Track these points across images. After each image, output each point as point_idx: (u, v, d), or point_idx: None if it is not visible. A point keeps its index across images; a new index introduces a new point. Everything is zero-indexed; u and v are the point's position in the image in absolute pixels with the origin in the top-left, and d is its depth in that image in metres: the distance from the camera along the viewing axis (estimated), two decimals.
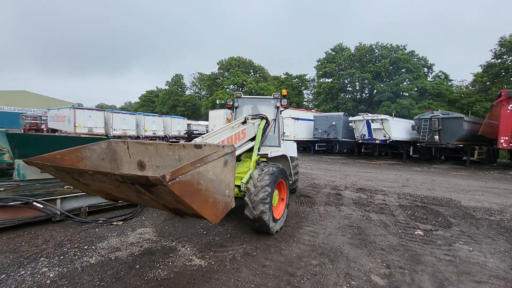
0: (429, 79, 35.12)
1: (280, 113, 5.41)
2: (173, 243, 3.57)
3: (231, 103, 5.57)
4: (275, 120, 5.22)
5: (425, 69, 35.59)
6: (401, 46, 34.86)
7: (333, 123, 17.43)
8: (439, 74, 36.14)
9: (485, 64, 30.18)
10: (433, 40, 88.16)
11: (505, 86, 27.24)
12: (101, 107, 28.06)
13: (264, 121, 4.90)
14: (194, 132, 30.07)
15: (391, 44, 34.89)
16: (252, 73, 50.36)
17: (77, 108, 19.93)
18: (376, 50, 34.94)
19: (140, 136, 24.82)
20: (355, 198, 6.39)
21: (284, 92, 5.53)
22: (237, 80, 43.87)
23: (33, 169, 5.73)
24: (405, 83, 32.31)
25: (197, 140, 3.61)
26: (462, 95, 32.20)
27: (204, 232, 3.98)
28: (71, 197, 4.47)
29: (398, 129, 15.64)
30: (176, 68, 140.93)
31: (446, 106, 29.96)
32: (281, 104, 5.24)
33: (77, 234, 3.80)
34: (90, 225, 4.16)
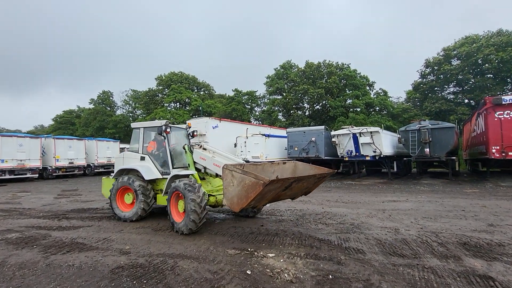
0: (371, 95, 36.99)
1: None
2: None
3: (169, 130, 6.16)
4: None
5: (368, 87, 37.51)
6: (346, 64, 36.11)
7: (313, 139, 14.69)
8: (379, 91, 38.56)
9: (415, 82, 33.63)
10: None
11: (435, 103, 30.01)
12: None
13: None
14: None
15: (337, 62, 35.87)
16: (196, 90, 46.09)
17: None
18: (323, 67, 35.35)
19: (49, 167, 17.74)
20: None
21: (190, 124, 8.17)
22: (180, 97, 38.91)
23: None
24: (354, 99, 33.06)
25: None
26: (401, 111, 34.57)
27: None
28: None
29: (388, 143, 13.81)
30: (103, 85, 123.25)
31: (391, 121, 31.38)
32: (192, 134, 7.07)
33: None
34: None
